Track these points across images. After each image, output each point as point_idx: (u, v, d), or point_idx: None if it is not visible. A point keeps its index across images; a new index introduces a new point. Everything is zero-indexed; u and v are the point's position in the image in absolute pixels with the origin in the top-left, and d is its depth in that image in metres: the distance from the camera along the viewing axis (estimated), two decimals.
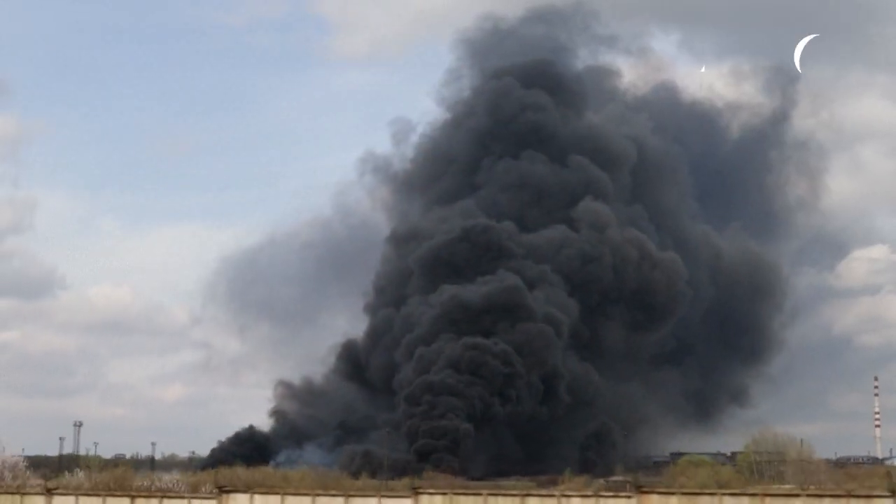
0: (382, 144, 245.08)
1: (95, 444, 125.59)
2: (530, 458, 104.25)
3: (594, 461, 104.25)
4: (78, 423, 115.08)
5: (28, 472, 68.33)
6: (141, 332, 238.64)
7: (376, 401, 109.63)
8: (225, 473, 65.41)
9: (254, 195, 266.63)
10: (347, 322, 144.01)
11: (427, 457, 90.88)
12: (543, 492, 47.56)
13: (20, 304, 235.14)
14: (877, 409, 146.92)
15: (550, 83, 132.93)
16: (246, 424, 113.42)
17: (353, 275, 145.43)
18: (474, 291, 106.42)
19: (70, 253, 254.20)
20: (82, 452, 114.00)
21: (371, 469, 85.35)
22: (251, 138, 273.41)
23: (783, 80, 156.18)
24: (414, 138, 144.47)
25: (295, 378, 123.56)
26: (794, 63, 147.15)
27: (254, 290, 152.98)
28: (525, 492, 41.84)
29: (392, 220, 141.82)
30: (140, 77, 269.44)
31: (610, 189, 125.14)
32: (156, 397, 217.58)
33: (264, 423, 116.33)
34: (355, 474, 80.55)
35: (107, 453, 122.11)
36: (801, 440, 79.12)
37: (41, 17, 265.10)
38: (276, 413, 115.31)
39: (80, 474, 71.12)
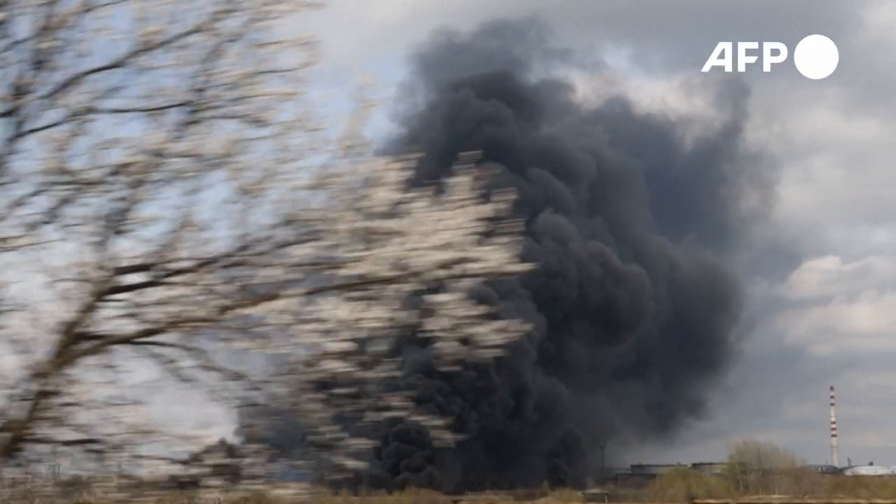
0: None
1: None
2: (498, 470, 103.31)
3: (564, 473, 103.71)
4: None
5: None
6: None
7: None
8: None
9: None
10: None
11: (400, 468, 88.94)
12: None
13: None
14: (833, 419, 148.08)
15: (508, 95, 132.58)
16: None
17: None
18: None
19: None
20: None
21: (345, 483, 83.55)
22: None
23: (735, 92, 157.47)
24: (367, 155, 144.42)
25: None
26: (744, 75, 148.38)
27: None
28: None
29: None
30: None
31: (571, 202, 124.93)
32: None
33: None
34: (335, 491, 78.57)
35: None
36: (786, 450, 78.74)
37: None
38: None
39: None
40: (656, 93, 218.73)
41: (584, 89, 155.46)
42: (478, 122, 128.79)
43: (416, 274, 7.46)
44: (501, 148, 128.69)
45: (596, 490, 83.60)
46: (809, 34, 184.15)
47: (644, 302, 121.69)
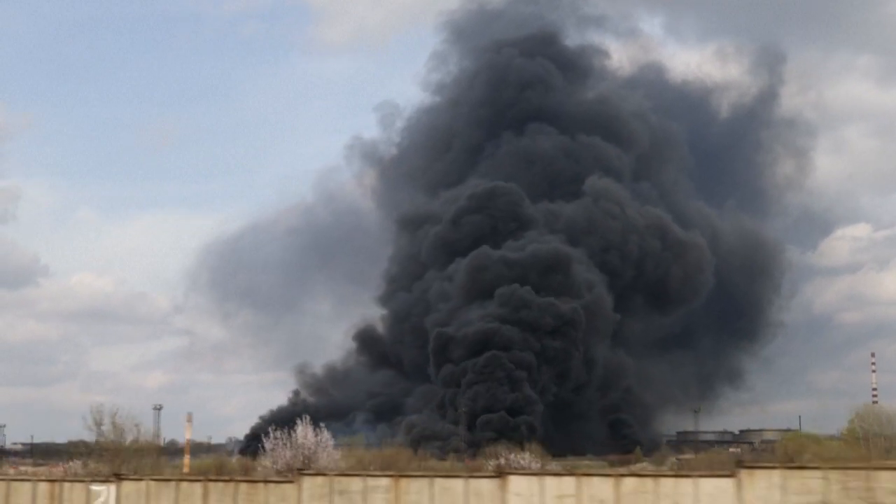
0: (367, 130, 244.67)
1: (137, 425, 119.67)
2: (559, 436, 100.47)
3: (627, 439, 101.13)
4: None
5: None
6: (123, 320, 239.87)
7: (401, 383, 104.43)
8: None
9: (236, 183, 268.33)
10: (332, 308, 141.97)
11: (495, 433, 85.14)
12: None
13: (3, 293, 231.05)
14: (874, 385, 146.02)
15: (553, 57, 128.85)
16: (232, 410, 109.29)
17: (337, 260, 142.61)
18: (514, 248, 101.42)
19: (53, 242, 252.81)
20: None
21: (422, 445, 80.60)
22: (232, 127, 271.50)
23: (770, 60, 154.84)
24: (400, 123, 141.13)
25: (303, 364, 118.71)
26: (779, 44, 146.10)
27: (236, 277, 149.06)
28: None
29: (382, 205, 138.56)
30: (124, 67, 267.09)
31: (626, 165, 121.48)
32: (137, 384, 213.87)
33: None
34: (414, 451, 75.54)
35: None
36: None
37: (24, 10, 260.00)
38: (300, 395, 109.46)
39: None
40: (691, 60, 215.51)
41: (619, 56, 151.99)
42: (523, 85, 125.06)
43: None
44: (549, 107, 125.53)
45: (688, 455, 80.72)
46: (842, 4, 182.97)
47: (705, 277, 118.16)
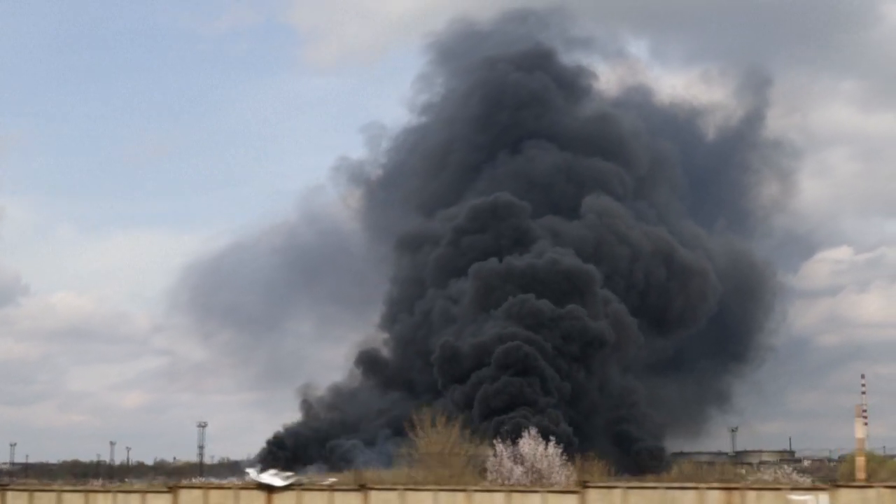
0: (354, 151, 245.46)
1: (128, 448, 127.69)
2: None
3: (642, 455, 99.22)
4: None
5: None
6: (103, 339, 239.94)
7: (412, 401, 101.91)
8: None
9: (219, 202, 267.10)
10: (314, 328, 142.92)
11: None
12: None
13: None
14: (864, 407, 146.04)
15: (550, 73, 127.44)
16: (211, 430, 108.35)
17: (320, 280, 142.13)
18: (524, 260, 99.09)
19: (33, 260, 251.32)
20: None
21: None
22: (217, 145, 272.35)
23: (756, 82, 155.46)
24: (387, 143, 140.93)
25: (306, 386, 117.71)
26: (765, 67, 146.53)
27: (218, 296, 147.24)
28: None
29: (368, 227, 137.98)
30: (109, 84, 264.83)
31: (628, 185, 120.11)
32: (115, 404, 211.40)
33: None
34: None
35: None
36: None
37: (5, 26, 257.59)
38: (308, 415, 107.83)
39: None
40: (677, 82, 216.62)
41: (607, 78, 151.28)
42: (521, 102, 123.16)
43: None
44: (548, 127, 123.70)
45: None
46: (827, 28, 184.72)
47: (708, 305, 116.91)
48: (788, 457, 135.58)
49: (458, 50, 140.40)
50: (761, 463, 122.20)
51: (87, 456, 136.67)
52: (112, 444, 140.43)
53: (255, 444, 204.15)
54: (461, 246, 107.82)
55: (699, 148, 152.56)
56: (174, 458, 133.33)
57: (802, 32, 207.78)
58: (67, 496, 37.54)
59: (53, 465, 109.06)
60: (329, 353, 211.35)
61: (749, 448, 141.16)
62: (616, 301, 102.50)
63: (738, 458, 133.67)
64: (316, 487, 35.74)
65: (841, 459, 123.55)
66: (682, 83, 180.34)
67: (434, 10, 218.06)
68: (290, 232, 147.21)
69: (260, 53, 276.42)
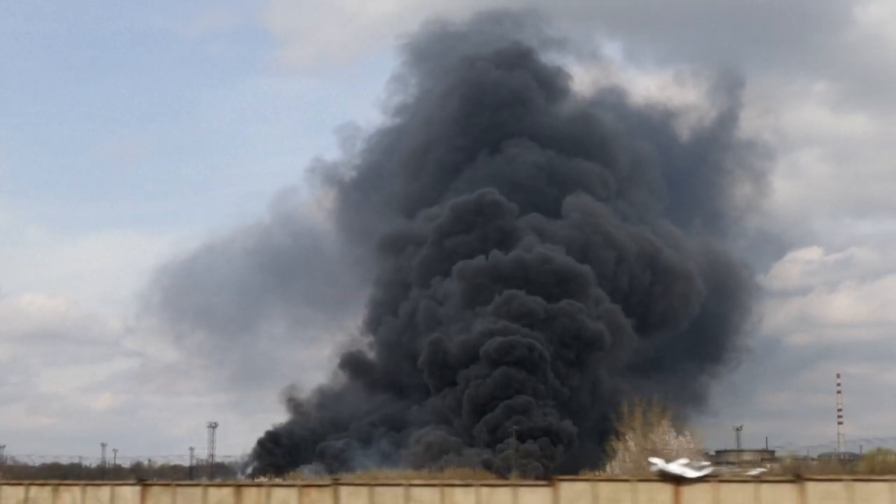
0: (328, 152, 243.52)
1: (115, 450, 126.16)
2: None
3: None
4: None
5: None
6: (74, 341, 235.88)
7: (400, 402, 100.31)
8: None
9: (192, 203, 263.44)
10: (287, 329, 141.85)
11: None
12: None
13: None
14: (839, 406, 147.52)
15: (530, 71, 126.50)
16: (182, 432, 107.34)
17: (293, 282, 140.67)
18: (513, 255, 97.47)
19: (4, 262, 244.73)
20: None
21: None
22: (190, 147, 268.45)
23: (729, 83, 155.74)
24: (361, 145, 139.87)
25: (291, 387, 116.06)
26: (738, 68, 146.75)
27: (190, 298, 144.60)
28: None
29: (342, 228, 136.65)
30: (80, 85, 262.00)
31: (611, 185, 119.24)
32: (86, 406, 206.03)
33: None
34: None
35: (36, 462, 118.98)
36: None
37: None
38: (298, 415, 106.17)
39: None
40: (651, 83, 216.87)
41: (581, 79, 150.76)
42: (501, 100, 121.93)
43: None
44: (529, 126, 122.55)
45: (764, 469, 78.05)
46: (800, 30, 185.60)
47: (691, 308, 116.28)
48: (768, 456, 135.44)
49: (432, 51, 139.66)
50: (743, 462, 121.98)
51: (65, 458, 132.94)
52: (103, 445, 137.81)
53: (233, 447, 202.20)
54: (445, 245, 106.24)
55: (673, 149, 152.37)
56: (149, 461, 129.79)
57: (775, 34, 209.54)
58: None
59: (33, 467, 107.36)
60: (302, 355, 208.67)
61: (727, 448, 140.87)
62: (608, 301, 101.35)
63: (718, 457, 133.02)
64: (739, 479, 31.50)
65: (822, 458, 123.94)
66: (655, 84, 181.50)
67: (409, 11, 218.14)
68: (263, 233, 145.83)
69: (236, 55, 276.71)
